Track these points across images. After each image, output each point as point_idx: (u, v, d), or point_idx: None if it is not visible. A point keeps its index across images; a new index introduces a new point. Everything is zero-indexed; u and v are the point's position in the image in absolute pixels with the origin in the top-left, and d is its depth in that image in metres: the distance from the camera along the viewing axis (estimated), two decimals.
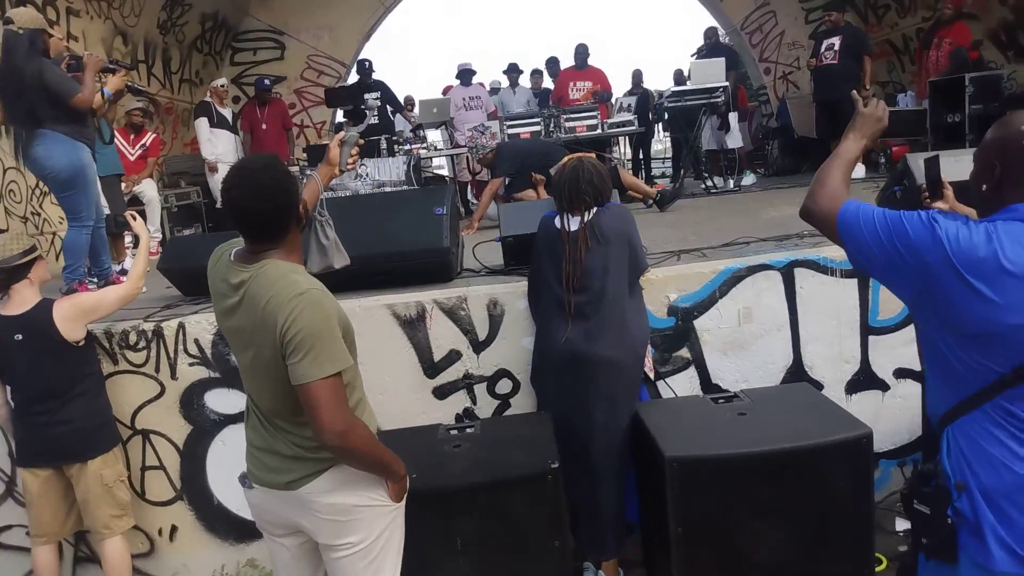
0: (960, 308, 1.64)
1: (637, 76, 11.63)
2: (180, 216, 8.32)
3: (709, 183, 8.55)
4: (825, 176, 1.96)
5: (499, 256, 3.92)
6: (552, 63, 10.11)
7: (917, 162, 3.86)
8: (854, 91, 2.22)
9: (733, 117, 9.24)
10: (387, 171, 8.03)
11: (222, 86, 8.45)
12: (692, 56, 9.83)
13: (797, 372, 3.58)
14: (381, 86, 9.28)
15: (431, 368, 3.50)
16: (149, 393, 3.63)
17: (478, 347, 3.49)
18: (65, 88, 4.12)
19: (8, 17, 4.20)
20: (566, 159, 3.37)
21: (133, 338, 3.60)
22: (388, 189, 7.95)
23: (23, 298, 3.16)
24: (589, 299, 3.04)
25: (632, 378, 3.08)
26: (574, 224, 3.12)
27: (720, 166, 9.48)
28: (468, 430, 3.05)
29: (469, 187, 9.67)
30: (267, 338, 1.96)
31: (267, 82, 8.59)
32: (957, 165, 3.85)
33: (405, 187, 7.96)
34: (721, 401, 3.07)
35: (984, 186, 1.73)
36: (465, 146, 8.47)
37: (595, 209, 3.14)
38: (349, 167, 2.66)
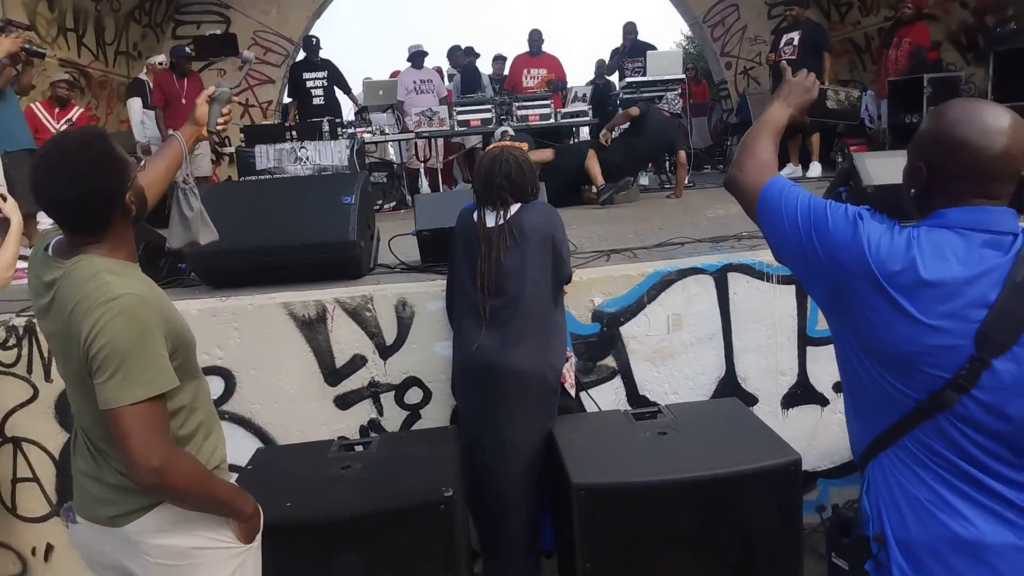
0: (875, 321, 1.40)
1: (600, 66, 11.36)
2: None
3: (664, 179, 8.33)
4: (753, 143, 1.71)
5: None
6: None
7: (864, 162, 3.65)
8: (783, 61, 1.98)
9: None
10: (328, 155, 7.66)
11: (160, 63, 7.95)
12: (612, 54, 9.65)
13: (730, 384, 3.34)
14: (328, 65, 8.86)
15: (332, 375, 3.18)
16: (20, 397, 3.25)
17: (385, 352, 3.18)
18: None
19: None
20: (489, 147, 3.06)
21: (2, 335, 3.22)
22: (329, 175, 7.61)
23: None
24: (505, 303, 2.75)
25: (549, 394, 2.79)
26: (491, 220, 2.83)
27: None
28: (363, 448, 2.74)
29: (422, 173, 9.32)
30: (73, 350, 1.63)
31: (187, 49, 8.05)
32: (879, 167, 3.65)
33: (347, 172, 7.63)
34: (643, 418, 2.81)
35: (912, 190, 1.48)
36: (413, 131, 8.13)
37: (517, 205, 2.85)
38: (219, 127, 2.30)
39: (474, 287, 2.78)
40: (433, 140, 8.52)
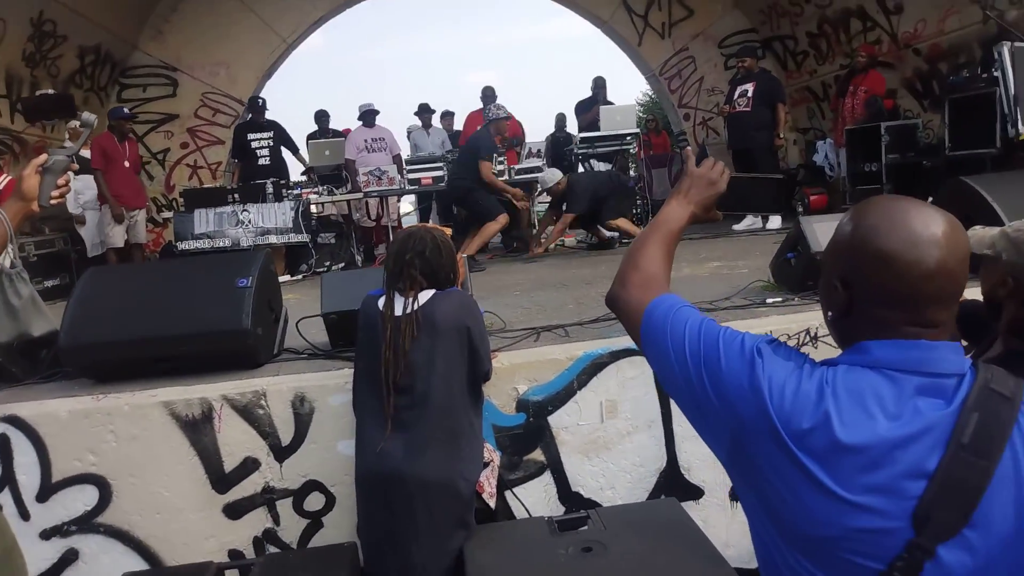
0: (784, 493, 1.06)
1: (560, 120, 11.26)
2: (41, 266, 7.43)
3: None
4: (639, 252, 1.39)
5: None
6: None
7: (812, 226, 3.39)
8: (686, 148, 1.68)
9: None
10: (272, 217, 7.37)
11: (80, 125, 7.64)
12: (577, 107, 9.54)
13: (672, 476, 2.99)
14: (275, 126, 8.63)
15: (220, 481, 2.80)
16: None
17: (280, 454, 2.82)
18: None
19: None
20: (405, 228, 2.75)
21: None
22: (273, 239, 7.31)
23: None
24: (411, 403, 2.40)
25: (461, 508, 2.43)
26: (399, 307, 2.50)
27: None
28: (243, 575, 2.36)
29: (373, 234, 9.04)
30: None
31: (126, 110, 7.74)
32: (829, 232, 3.37)
33: (292, 235, 7.33)
34: (568, 527, 2.46)
35: (829, 313, 1.16)
36: (363, 191, 7.87)
37: (430, 292, 2.53)
38: (53, 202, 1.93)
39: (376, 382, 2.45)
40: (385, 199, 8.26)
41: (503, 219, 6.87)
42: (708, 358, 1.15)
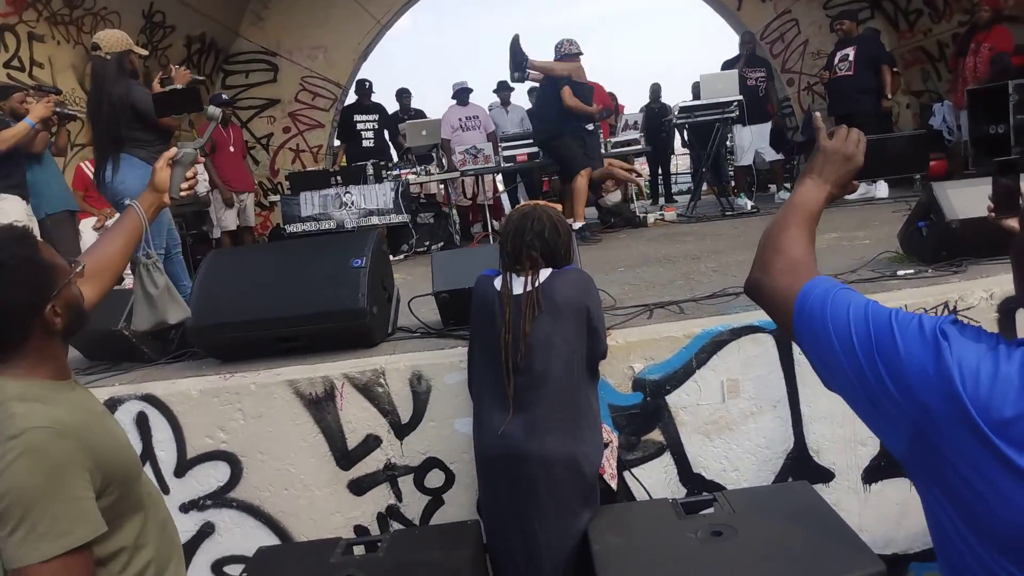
0: (980, 487, 0.96)
1: (655, 90, 11.00)
2: None
3: (727, 202, 7.83)
4: (779, 235, 1.30)
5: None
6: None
7: (945, 192, 3.15)
8: (816, 113, 1.54)
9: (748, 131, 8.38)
10: (374, 198, 7.50)
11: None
12: (724, 65, 9.11)
13: (800, 458, 2.86)
14: (380, 109, 8.78)
15: (344, 458, 2.86)
16: None
17: (401, 431, 2.85)
18: (152, 105, 4.00)
19: (95, 43, 4.27)
20: (520, 205, 2.71)
21: None
22: (375, 219, 7.43)
23: None
24: (531, 383, 2.37)
25: (585, 487, 2.40)
26: (518, 286, 2.46)
27: (744, 181, 8.73)
28: (370, 551, 2.40)
29: (469, 212, 9.08)
30: None
31: (224, 96, 8.04)
32: (964, 198, 3.11)
33: (393, 216, 7.44)
34: (693, 510, 2.39)
35: None
36: (459, 170, 7.90)
37: (548, 271, 2.49)
38: (183, 193, 2.02)
39: (495, 363, 2.43)
40: (481, 177, 8.27)
41: (587, 172, 6.61)
42: (882, 344, 1.05)
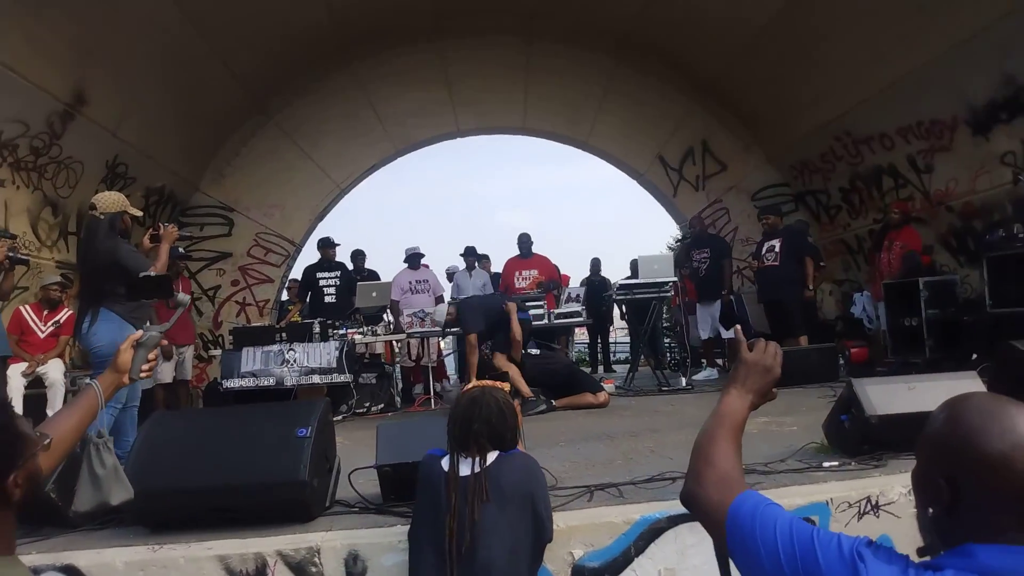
0: None
1: (595, 264, 11.57)
2: None
3: (661, 377, 8.12)
4: (710, 447, 1.42)
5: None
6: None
7: (864, 389, 3.38)
8: (737, 327, 1.71)
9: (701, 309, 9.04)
10: (317, 357, 7.51)
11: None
12: (676, 243, 9.81)
13: None
14: (342, 266, 9.01)
15: None
16: None
17: None
18: (137, 265, 4.35)
19: (92, 203, 4.59)
20: (468, 386, 2.78)
21: None
22: (316, 378, 7.41)
23: None
24: (472, 572, 2.35)
25: None
26: (465, 468, 2.49)
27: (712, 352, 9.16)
28: None
29: (411, 374, 9.14)
30: None
31: (180, 250, 8.16)
32: (884, 395, 3.35)
33: (335, 375, 7.43)
34: None
35: (930, 509, 1.17)
36: (406, 332, 8.03)
37: (495, 454, 2.53)
38: (144, 375, 2.08)
39: (436, 548, 2.40)
40: (426, 339, 8.40)
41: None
42: (805, 562, 1.15)
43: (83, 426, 1.94)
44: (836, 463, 3.39)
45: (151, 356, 2.09)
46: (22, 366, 6.54)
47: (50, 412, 6.10)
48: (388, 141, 10.58)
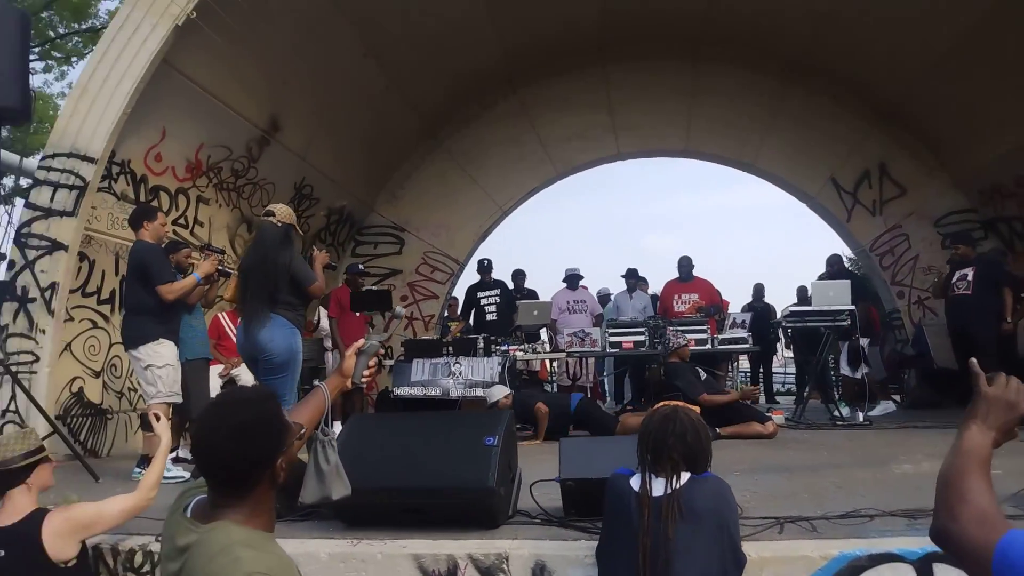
0: None
1: (758, 290, 11.19)
2: None
3: (836, 413, 7.66)
4: (961, 483, 1.33)
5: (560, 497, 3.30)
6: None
7: None
8: (972, 360, 1.58)
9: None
10: (481, 371, 7.73)
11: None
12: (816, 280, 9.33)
13: None
14: (501, 284, 9.28)
15: None
16: None
17: None
18: (307, 276, 4.66)
19: (270, 210, 4.83)
20: (659, 404, 2.74)
21: (139, 559, 3.18)
22: (479, 391, 7.62)
23: (16, 506, 2.83)
24: None
25: None
26: (658, 488, 2.45)
27: (853, 392, 8.57)
28: None
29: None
30: None
31: (360, 266, 8.71)
32: None
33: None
34: None
35: None
36: (565, 350, 8.12)
37: (687, 476, 2.48)
38: (364, 380, 2.28)
39: (630, 567, 2.38)
40: (584, 359, 8.44)
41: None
42: None
43: (313, 423, 2.14)
44: None
45: (371, 363, 2.26)
46: (219, 367, 7.18)
47: None
48: (549, 164, 10.79)
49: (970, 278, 7.35)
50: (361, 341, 2.29)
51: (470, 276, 10.39)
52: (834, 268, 8.82)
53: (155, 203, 7.00)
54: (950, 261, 7.97)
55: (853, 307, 7.39)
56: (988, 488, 1.34)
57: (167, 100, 6.74)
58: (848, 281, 7.73)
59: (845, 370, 8.44)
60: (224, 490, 1.61)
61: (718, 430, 6.48)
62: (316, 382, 2.26)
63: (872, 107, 10.02)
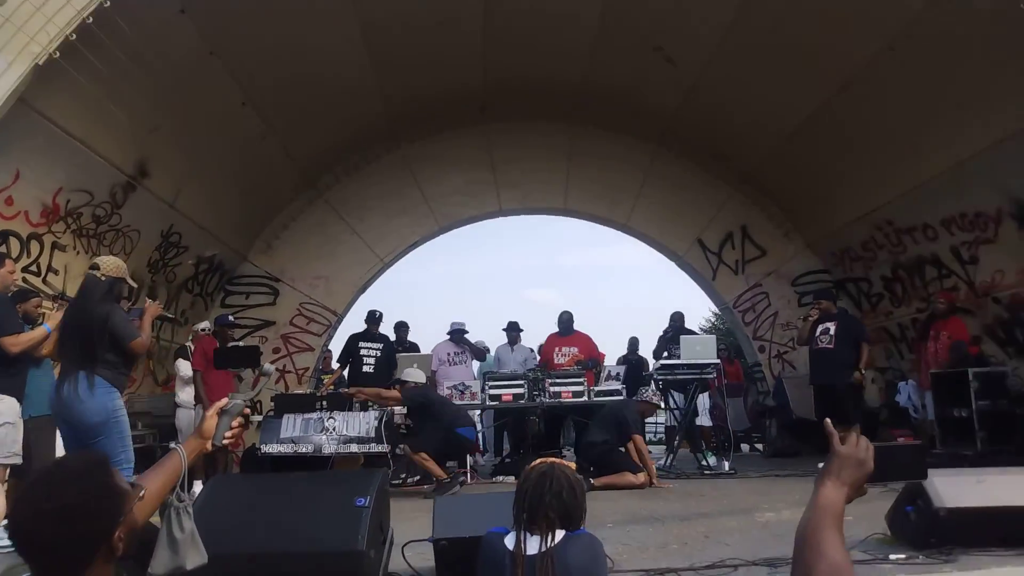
0: None
1: (633, 343, 11.53)
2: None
3: (704, 462, 7.97)
4: (817, 538, 1.40)
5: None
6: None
7: (934, 481, 3.31)
8: (827, 420, 1.69)
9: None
10: (356, 426, 7.51)
11: (203, 330, 8.22)
12: (659, 339, 9.91)
13: None
14: (385, 339, 9.09)
15: None
16: None
17: None
18: (127, 333, 4.32)
19: (95, 263, 4.56)
20: (535, 462, 2.73)
21: None
22: (354, 447, 7.39)
23: None
24: None
25: None
26: (532, 546, 2.41)
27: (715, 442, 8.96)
28: None
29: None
30: None
31: (230, 318, 8.35)
32: (953, 488, 3.23)
33: (373, 444, 7.40)
34: None
35: None
36: None
37: (562, 533, 2.46)
38: (226, 442, 2.13)
39: None
40: None
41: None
42: None
43: (166, 489, 1.98)
44: (903, 556, 3.28)
45: (234, 423, 2.14)
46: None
47: None
48: (432, 218, 10.83)
49: (832, 332, 7.87)
50: (224, 400, 2.15)
51: (348, 328, 10.20)
52: (676, 324, 9.38)
53: (3, 249, 6.46)
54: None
55: (718, 361, 7.76)
56: (841, 542, 1.42)
57: (22, 142, 6.28)
58: (714, 336, 8.17)
59: (703, 420, 8.84)
60: (53, 573, 1.46)
61: (592, 480, 6.58)
62: (172, 444, 2.11)
63: (736, 173, 10.74)
